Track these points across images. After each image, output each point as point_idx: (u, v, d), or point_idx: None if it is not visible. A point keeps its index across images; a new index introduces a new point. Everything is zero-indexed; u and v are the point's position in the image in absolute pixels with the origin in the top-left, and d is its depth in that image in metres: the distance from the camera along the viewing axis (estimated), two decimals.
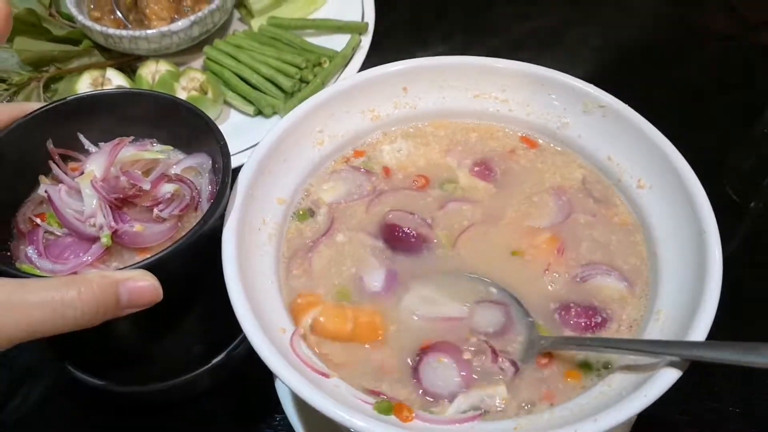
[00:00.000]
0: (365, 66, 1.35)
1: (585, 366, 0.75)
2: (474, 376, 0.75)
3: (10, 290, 0.63)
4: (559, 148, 0.96)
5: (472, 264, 0.84)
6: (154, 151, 0.88)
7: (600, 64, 1.56)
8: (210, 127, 0.83)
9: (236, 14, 1.53)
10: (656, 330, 0.75)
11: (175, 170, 0.87)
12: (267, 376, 0.97)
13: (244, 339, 0.93)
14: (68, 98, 0.86)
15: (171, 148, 0.89)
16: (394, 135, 0.99)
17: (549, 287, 0.82)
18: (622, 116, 0.90)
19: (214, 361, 0.93)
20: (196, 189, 0.84)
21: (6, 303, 0.62)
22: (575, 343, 0.77)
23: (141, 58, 1.38)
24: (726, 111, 1.46)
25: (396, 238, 0.86)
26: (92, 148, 0.87)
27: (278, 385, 0.95)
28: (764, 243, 1.24)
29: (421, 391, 0.74)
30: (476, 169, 0.94)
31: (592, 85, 0.93)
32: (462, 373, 0.75)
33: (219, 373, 0.95)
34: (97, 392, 0.93)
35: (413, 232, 0.86)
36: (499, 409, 0.73)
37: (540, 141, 0.97)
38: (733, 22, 1.71)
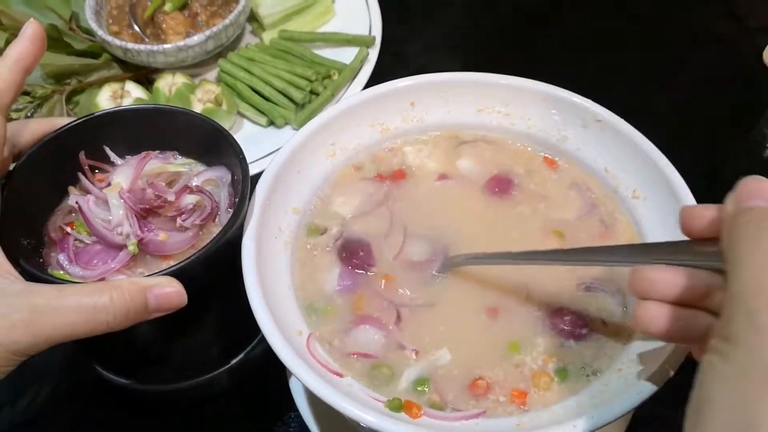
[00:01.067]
0: (372, 78, 1.39)
1: (562, 373, 0.79)
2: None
3: (49, 296, 0.68)
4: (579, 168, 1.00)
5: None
6: (177, 164, 0.93)
7: (597, 68, 1.59)
8: (230, 142, 0.88)
9: (248, 27, 1.57)
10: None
11: (195, 182, 0.91)
12: (281, 376, 1.00)
13: (261, 341, 0.99)
14: (95, 114, 0.91)
15: (192, 161, 0.94)
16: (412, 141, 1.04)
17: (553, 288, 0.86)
18: (618, 130, 0.94)
19: (233, 362, 0.98)
20: (215, 200, 0.89)
21: (46, 307, 0.67)
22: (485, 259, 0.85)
23: (157, 71, 1.42)
24: (724, 116, 1.48)
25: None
26: (118, 161, 0.92)
27: (292, 383, 0.99)
28: None
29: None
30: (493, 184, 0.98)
31: (590, 101, 0.97)
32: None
33: (237, 372, 0.99)
34: (122, 391, 0.97)
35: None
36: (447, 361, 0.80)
37: (559, 162, 1.00)
38: (731, 27, 1.72)
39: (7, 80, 0.77)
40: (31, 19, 0.82)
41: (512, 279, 0.87)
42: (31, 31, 0.80)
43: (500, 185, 0.97)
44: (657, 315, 0.64)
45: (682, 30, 1.71)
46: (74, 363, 1.05)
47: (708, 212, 0.62)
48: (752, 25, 1.71)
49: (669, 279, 0.63)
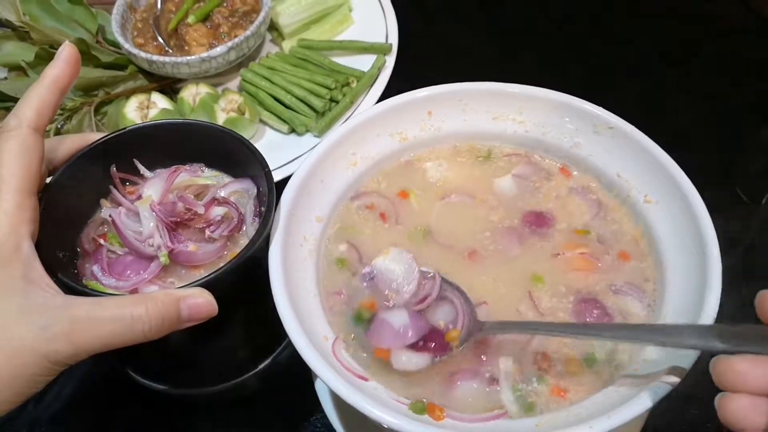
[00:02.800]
0: (390, 85, 1.43)
1: (590, 360, 0.83)
2: None
3: (89, 308, 0.72)
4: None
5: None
6: (204, 176, 0.96)
7: (610, 60, 1.61)
8: (256, 156, 0.91)
9: (268, 35, 1.61)
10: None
11: (222, 193, 0.95)
12: (307, 378, 1.04)
13: (287, 345, 1.02)
14: (126, 129, 0.94)
15: (219, 172, 0.98)
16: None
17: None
18: (629, 136, 0.97)
19: (261, 366, 1.01)
20: (242, 212, 0.92)
21: (86, 319, 0.71)
22: (516, 328, 0.84)
23: (181, 81, 1.46)
24: (737, 109, 1.49)
25: None
26: (147, 173, 0.96)
27: (318, 386, 1.03)
28: None
29: None
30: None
31: (601, 108, 0.99)
32: None
33: (265, 376, 1.02)
34: (152, 393, 1.01)
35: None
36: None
37: (575, 173, 1.03)
38: (744, 16, 1.73)
39: (45, 100, 0.81)
40: (66, 42, 0.86)
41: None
42: (66, 54, 0.84)
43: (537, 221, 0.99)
44: (751, 410, 0.61)
45: (694, 19, 1.73)
46: (100, 362, 1.08)
47: None
48: (765, 13, 1.72)
49: (760, 372, 0.61)
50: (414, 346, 0.82)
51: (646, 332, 0.76)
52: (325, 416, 1.02)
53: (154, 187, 0.93)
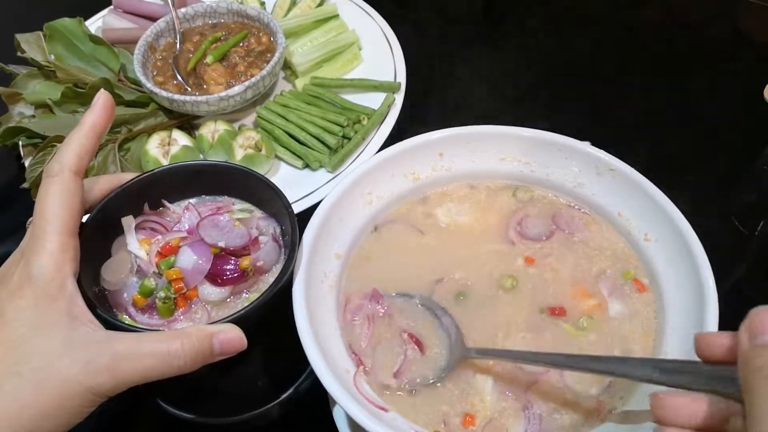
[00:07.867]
0: (399, 122, 1.48)
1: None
2: None
3: (129, 343, 0.77)
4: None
5: None
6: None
7: (601, 89, 1.64)
8: (279, 197, 0.96)
9: (281, 74, 1.66)
10: None
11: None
12: (325, 407, 1.08)
13: (308, 376, 1.07)
14: (156, 170, 0.99)
15: (250, 205, 1.02)
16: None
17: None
18: (629, 178, 1.03)
19: (283, 396, 1.07)
20: (280, 243, 0.97)
21: (127, 353, 0.76)
22: (497, 355, 0.91)
23: (198, 117, 1.52)
24: (732, 137, 1.51)
25: None
26: (177, 210, 1.01)
27: (336, 415, 1.07)
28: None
29: None
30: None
31: (602, 151, 1.06)
32: None
33: (286, 405, 1.07)
34: (183, 424, 1.06)
35: None
36: None
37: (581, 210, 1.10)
38: (736, 44, 1.77)
39: (84, 145, 0.86)
40: (102, 90, 0.91)
41: None
42: (102, 101, 0.89)
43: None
44: None
45: (686, 47, 1.76)
46: (130, 391, 1.13)
47: (722, 340, 0.67)
48: (757, 41, 1.77)
49: (693, 407, 0.66)
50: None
51: (601, 363, 0.79)
52: None
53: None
